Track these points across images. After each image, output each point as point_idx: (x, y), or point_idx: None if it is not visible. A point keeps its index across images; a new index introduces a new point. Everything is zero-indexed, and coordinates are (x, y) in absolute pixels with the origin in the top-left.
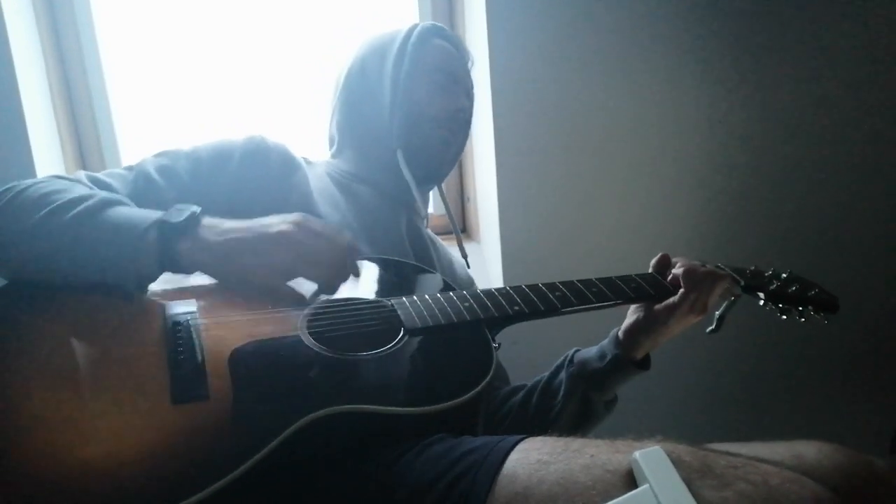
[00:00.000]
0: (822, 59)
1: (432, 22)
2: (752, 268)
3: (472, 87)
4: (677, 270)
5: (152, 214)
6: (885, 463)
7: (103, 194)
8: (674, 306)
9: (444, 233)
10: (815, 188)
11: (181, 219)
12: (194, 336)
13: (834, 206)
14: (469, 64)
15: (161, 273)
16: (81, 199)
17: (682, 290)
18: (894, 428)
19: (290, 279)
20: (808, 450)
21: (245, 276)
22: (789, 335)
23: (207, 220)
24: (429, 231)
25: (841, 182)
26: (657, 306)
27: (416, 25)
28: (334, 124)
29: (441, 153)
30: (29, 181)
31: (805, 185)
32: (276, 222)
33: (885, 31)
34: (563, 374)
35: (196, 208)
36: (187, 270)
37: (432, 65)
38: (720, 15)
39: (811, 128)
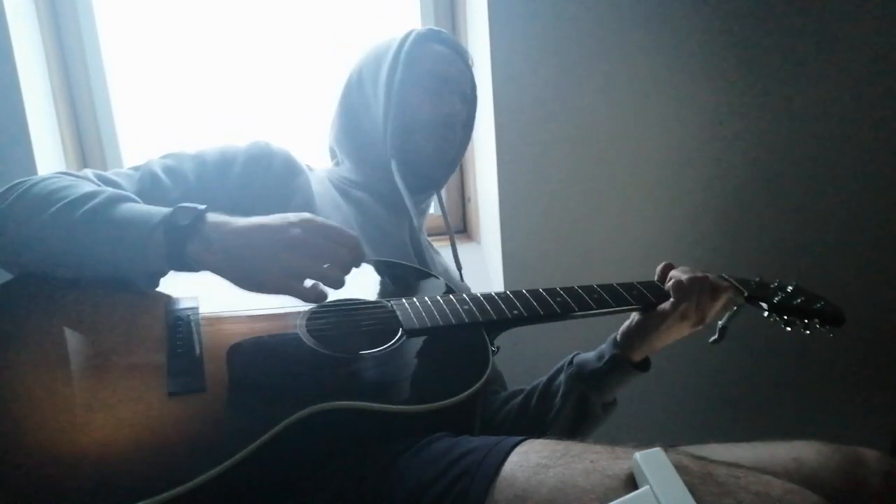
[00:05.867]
0: (825, 59)
1: (430, 27)
2: (758, 279)
3: (472, 90)
4: (671, 279)
5: (159, 212)
6: (881, 455)
7: (111, 191)
8: (665, 314)
9: (440, 234)
10: (816, 189)
11: (187, 221)
12: (194, 331)
13: (835, 207)
14: (469, 62)
15: (170, 270)
16: (91, 195)
17: (671, 300)
18: (894, 428)
19: (300, 279)
20: (808, 452)
21: (256, 278)
22: (789, 336)
23: (212, 218)
24: (426, 237)
25: (842, 183)
26: (652, 312)
27: (411, 31)
28: (333, 136)
29: (435, 160)
30: (36, 178)
31: (806, 186)
32: (282, 222)
33: (886, 31)
34: (562, 376)
35: (201, 207)
36: (195, 269)
37: (425, 70)
38: (723, 15)
39: (813, 129)
